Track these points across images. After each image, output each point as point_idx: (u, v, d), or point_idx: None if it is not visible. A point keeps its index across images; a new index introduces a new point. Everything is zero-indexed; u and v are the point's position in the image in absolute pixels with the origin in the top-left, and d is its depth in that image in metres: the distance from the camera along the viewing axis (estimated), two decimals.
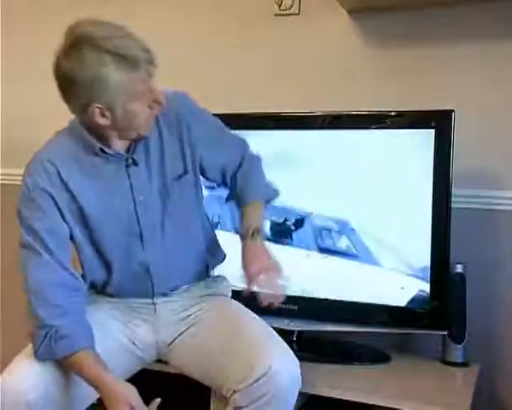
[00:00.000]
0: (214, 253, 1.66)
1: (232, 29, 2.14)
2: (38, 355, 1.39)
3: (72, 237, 1.48)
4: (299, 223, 1.85)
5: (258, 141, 1.85)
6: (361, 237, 1.79)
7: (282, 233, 1.87)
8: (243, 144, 1.66)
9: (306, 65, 2.07)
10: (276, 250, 1.71)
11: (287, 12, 2.09)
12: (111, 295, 1.57)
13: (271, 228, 1.87)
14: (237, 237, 1.57)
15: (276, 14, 2.10)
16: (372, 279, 1.79)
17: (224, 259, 1.70)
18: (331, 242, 1.81)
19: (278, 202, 1.69)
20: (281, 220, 1.87)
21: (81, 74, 1.32)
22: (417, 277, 1.74)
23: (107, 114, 1.37)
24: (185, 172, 1.53)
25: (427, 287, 1.72)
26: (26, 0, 2.29)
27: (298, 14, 2.08)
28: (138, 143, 1.47)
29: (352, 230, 1.80)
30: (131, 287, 1.55)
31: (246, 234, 1.53)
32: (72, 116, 1.45)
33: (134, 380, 1.58)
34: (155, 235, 1.51)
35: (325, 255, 1.83)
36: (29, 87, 2.34)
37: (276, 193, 1.66)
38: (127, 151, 1.47)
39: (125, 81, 1.33)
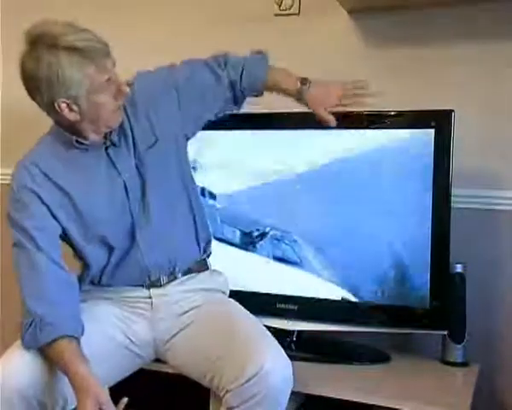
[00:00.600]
0: (202, 225, 1.66)
1: (232, 29, 2.14)
2: (24, 343, 1.41)
3: (67, 235, 1.50)
4: (263, 235, 1.86)
5: (258, 141, 1.85)
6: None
7: (248, 242, 1.88)
8: (196, 62, 1.68)
9: (306, 65, 2.05)
10: (243, 256, 1.81)
11: (287, 12, 2.08)
12: (108, 286, 1.58)
13: (240, 237, 1.88)
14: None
15: (276, 14, 2.10)
16: None
17: (210, 235, 1.70)
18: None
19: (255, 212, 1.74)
20: (248, 230, 1.88)
21: (39, 73, 1.36)
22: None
23: (75, 108, 1.40)
24: (156, 141, 1.55)
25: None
26: (26, 0, 2.29)
27: (298, 14, 2.08)
28: (114, 130, 1.50)
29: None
30: (127, 272, 1.55)
31: (297, 90, 1.61)
32: None
33: (133, 380, 1.59)
34: (140, 207, 1.54)
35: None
36: None
37: (265, 54, 1.70)
38: (104, 139, 1.50)
39: (83, 75, 1.37)
